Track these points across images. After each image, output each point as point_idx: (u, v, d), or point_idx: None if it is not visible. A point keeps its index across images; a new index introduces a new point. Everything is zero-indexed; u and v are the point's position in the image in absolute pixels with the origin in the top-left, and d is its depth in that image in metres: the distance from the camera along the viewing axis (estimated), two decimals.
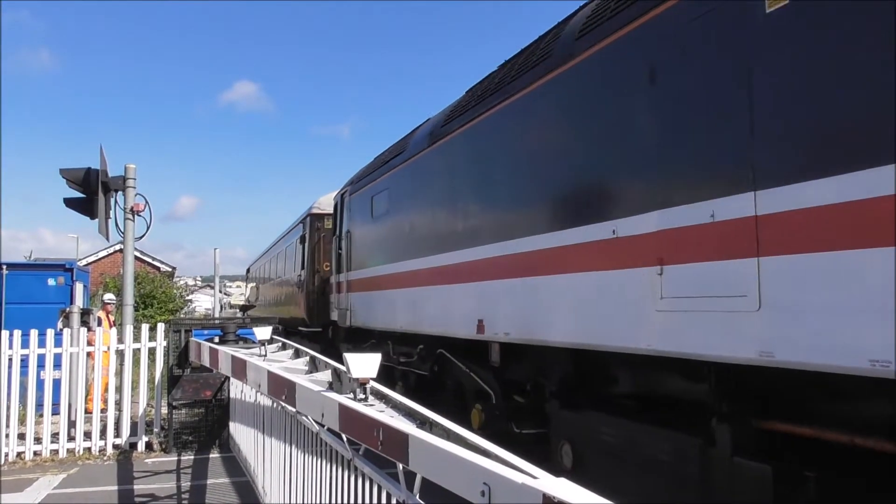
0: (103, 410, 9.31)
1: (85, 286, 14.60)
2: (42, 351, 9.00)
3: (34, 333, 9.00)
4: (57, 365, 9.14)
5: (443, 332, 7.82)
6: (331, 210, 13.98)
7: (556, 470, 5.11)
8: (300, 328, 15.69)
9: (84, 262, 30.49)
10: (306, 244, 15.64)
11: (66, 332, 9.27)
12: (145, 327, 9.59)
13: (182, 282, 42.59)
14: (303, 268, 15.72)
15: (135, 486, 7.56)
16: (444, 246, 7.65)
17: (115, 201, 10.21)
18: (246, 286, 35.87)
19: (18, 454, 8.78)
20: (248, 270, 35.13)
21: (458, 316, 7.26)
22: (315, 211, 15.48)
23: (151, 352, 9.57)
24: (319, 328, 14.86)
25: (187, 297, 38.36)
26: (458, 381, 8.16)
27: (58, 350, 9.11)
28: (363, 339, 11.76)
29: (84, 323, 9.74)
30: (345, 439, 3.59)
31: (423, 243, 8.38)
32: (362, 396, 3.56)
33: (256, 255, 30.72)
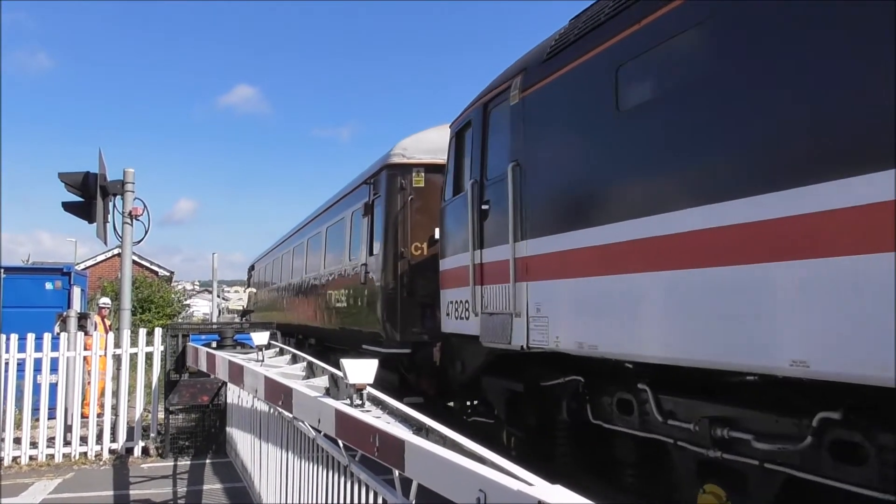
0: (100, 415, 9.29)
1: (82, 290, 14.59)
2: (39, 355, 8.98)
3: (31, 337, 8.99)
4: (54, 369, 9.12)
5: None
6: (425, 157, 9.30)
7: None
8: (366, 347, 9.81)
9: (82, 265, 30.44)
10: (378, 215, 9.90)
11: (63, 336, 9.25)
12: (143, 332, 9.57)
13: (180, 286, 42.50)
14: (370, 253, 10.02)
15: (131, 492, 7.53)
16: None
17: (114, 205, 10.21)
18: (244, 290, 33.38)
19: (14, 458, 8.75)
20: (250, 270, 29.13)
21: None
22: (397, 160, 9.49)
23: (149, 356, 9.55)
24: (407, 348, 9.01)
25: (185, 302, 38.29)
26: None
27: (55, 354, 9.09)
28: (540, 376, 6.44)
29: (81, 327, 9.73)
30: (341, 445, 3.60)
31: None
32: (359, 402, 3.56)
33: (262, 252, 25.58)
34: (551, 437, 6.33)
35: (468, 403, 8.54)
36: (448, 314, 7.73)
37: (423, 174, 9.30)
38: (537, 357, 6.18)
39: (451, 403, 9.17)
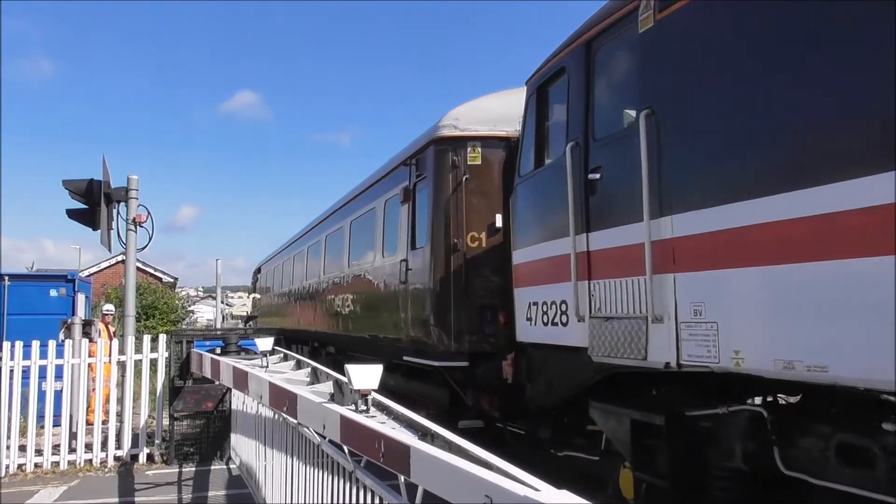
0: (104, 422, 9.30)
1: (87, 297, 14.62)
2: (43, 362, 8.99)
3: (36, 344, 9.00)
4: (58, 376, 9.13)
5: None
6: (482, 129, 7.70)
7: None
8: (408, 359, 8.22)
9: (86, 272, 30.52)
10: (422, 201, 8.29)
11: (68, 343, 9.26)
12: (147, 338, 9.58)
13: (184, 292, 42.61)
14: (412, 246, 8.44)
15: (136, 499, 7.53)
16: None
17: (118, 212, 10.24)
18: (248, 295, 32.44)
19: (19, 466, 8.75)
20: (256, 273, 27.05)
21: None
22: (448, 132, 7.81)
23: (153, 363, 9.55)
24: (463, 360, 7.34)
25: (189, 308, 38.35)
26: None
27: (59, 361, 9.10)
28: (674, 400, 4.80)
29: (86, 334, 9.74)
30: (346, 451, 3.59)
31: None
32: (364, 408, 3.56)
33: (270, 254, 23.71)
34: (708, 489, 4.55)
35: (533, 429, 6.63)
36: (529, 319, 6.16)
37: (479, 149, 7.56)
38: (662, 376, 4.57)
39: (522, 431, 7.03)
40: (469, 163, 7.56)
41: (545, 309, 5.89)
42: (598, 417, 5.38)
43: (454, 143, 7.66)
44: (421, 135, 8.59)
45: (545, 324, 5.87)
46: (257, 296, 27.10)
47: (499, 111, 7.73)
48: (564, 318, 5.53)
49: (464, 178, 7.50)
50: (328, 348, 13.77)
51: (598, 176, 5.13)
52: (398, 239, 8.85)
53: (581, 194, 5.28)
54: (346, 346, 11.99)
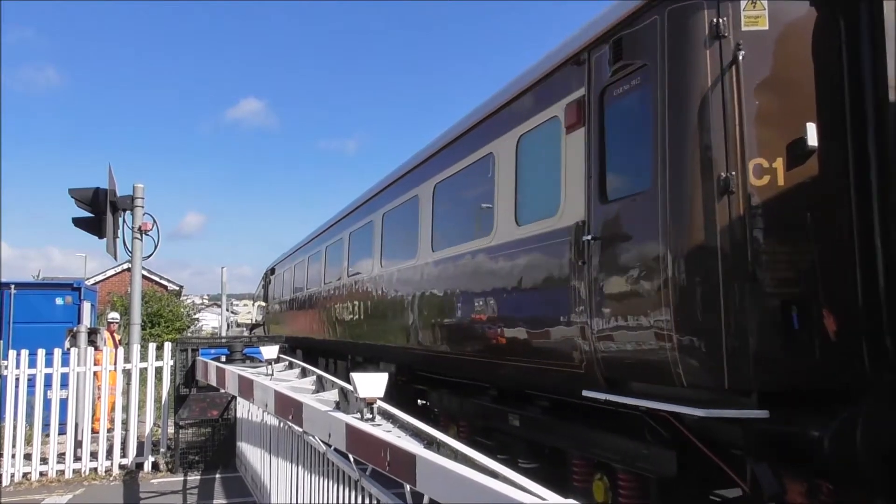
0: (110, 430, 9.30)
1: (92, 305, 14.63)
2: (49, 370, 9.00)
3: (41, 353, 9.01)
4: (64, 384, 9.14)
5: None
6: None
7: None
8: (607, 397, 4.74)
9: (92, 281, 30.61)
10: (625, 116, 4.77)
11: (74, 351, 9.28)
12: (152, 346, 9.59)
13: (189, 300, 42.70)
14: (601, 196, 4.86)
15: None
16: None
17: (123, 220, 10.27)
18: (254, 303, 30.62)
19: (24, 475, 8.75)
20: (268, 274, 23.44)
21: None
22: None
23: (158, 371, 9.55)
24: (760, 409, 3.81)
25: (194, 316, 38.41)
26: None
27: (65, 369, 9.11)
28: None
29: (91, 342, 9.75)
30: (352, 459, 3.58)
31: None
32: (369, 416, 3.54)
33: (288, 250, 19.63)
34: None
35: None
36: None
37: (765, 2, 4.18)
38: None
39: None
40: (746, 28, 4.15)
41: None
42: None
43: None
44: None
45: None
46: (263, 304, 26.81)
47: None
48: None
49: (738, 56, 4.07)
50: (389, 368, 9.37)
51: None
52: (559, 192, 5.40)
53: None
54: (438, 368, 8.07)
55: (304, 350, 15.87)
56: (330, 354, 13.44)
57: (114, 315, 13.82)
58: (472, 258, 6.81)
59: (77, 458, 9.03)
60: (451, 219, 7.77)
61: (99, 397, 9.86)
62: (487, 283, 6.44)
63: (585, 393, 4.91)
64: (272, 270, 22.71)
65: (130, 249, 10.28)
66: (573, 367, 5.08)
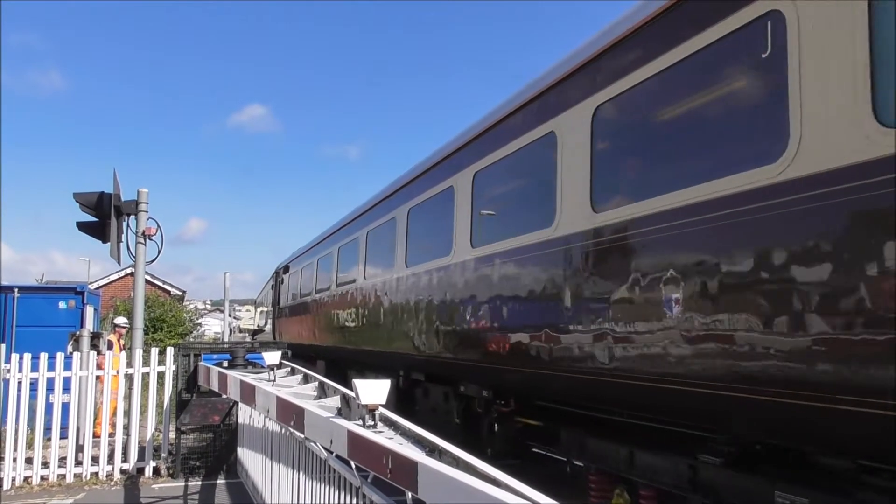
0: (111, 435, 9.29)
1: (95, 309, 14.66)
2: (51, 374, 9.00)
3: (44, 357, 9.01)
4: (66, 388, 9.14)
5: None
6: None
7: None
8: None
9: (95, 285, 30.69)
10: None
11: (76, 355, 9.28)
12: (154, 351, 9.59)
13: (192, 305, 42.75)
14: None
15: None
16: None
17: (127, 225, 10.29)
18: (256, 308, 30.21)
19: (25, 478, 8.73)
20: (281, 272, 21.43)
21: None
22: None
23: (160, 376, 9.55)
24: None
25: (196, 321, 38.44)
26: None
27: (67, 373, 9.11)
28: None
29: (94, 346, 9.76)
30: (353, 466, 3.57)
31: None
32: (371, 423, 3.54)
33: (304, 246, 17.54)
34: None
35: None
36: None
37: None
38: None
39: None
40: None
41: None
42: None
43: None
44: None
45: None
46: (265, 308, 26.67)
47: None
48: None
49: None
50: (463, 387, 7.52)
51: None
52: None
53: None
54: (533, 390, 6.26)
55: (327, 362, 14.26)
56: (368, 368, 10.81)
57: (122, 320, 13.82)
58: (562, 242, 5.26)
59: (78, 463, 9.02)
60: (516, 202, 6.41)
61: (101, 402, 9.86)
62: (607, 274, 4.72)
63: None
64: (286, 268, 20.49)
65: (134, 254, 10.30)
66: None
